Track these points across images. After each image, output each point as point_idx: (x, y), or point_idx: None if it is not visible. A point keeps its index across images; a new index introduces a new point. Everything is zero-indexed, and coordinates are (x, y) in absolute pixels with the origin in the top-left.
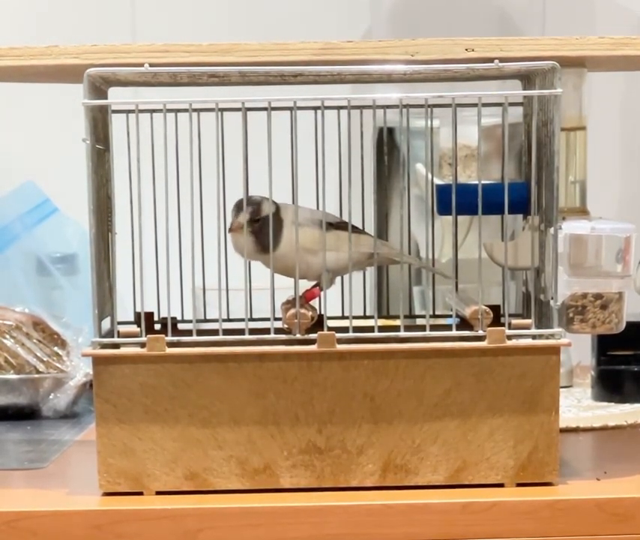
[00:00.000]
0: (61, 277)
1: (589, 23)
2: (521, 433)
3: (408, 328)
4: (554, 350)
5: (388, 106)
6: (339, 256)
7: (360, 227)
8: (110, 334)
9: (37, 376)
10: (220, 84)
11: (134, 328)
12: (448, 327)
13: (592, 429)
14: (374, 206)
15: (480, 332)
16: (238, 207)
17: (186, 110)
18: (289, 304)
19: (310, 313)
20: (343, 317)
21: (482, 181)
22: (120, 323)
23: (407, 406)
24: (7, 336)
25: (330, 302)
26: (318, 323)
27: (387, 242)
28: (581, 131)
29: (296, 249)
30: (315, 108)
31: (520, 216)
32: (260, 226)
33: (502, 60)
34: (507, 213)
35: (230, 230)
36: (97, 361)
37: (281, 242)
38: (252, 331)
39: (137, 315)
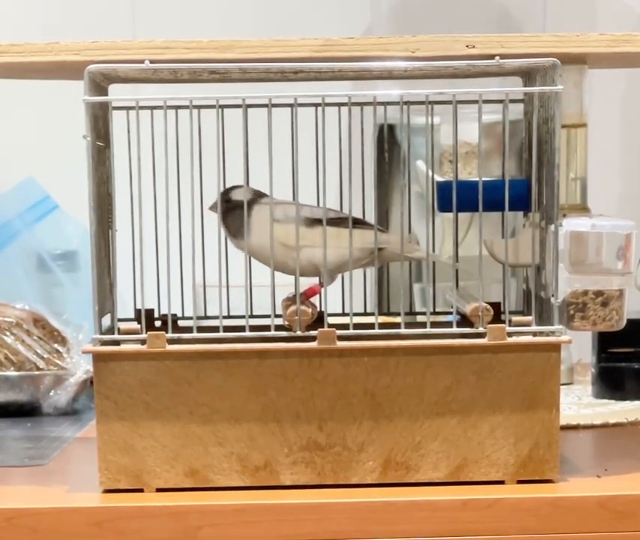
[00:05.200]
0: (62, 274)
1: (590, 20)
2: (521, 431)
3: (408, 325)
4: (555, 347)
5: (389, 103)
6: (338, 253)
7: (364, 220)
8: (110, 331)
9: (37, 373)
10: (221, 81)
11: (134, 325)
12: (448, 324)
13: (592, 426)
14: (374, 203)
15: (481, 329)
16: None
17: (186, 107)
18: (290, 301)
19: (311, 310)
20: (344, 314)
21: (483, 178)
22: (120, 320)
23: (407, 403)
24: (8, 333)
25: (331, 299)
26: (318, 320)
27: (390, 236)
28: (581, 128)
29: (271, 242)
30: (316, 105)
31: (520, 213)
32: (228, 209)
33: (503, 57)
34: (508, 210)
35: (209, 208)
36: (98, 358)
37: (251, 232)
38: (253, 328)
39: (137, 312)
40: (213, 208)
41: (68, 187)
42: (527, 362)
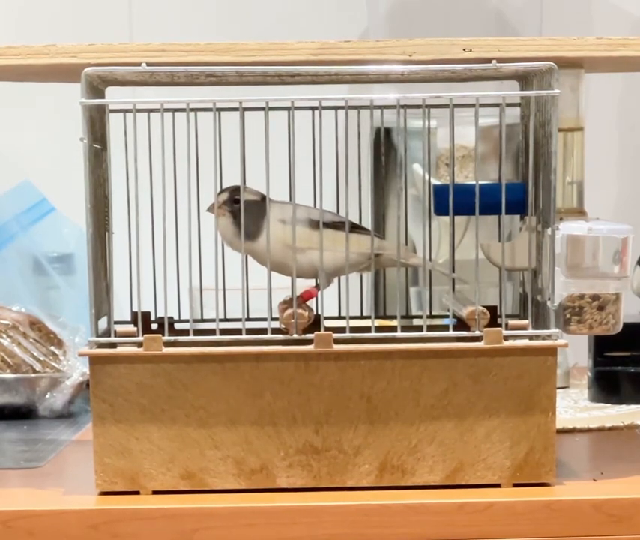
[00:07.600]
0: (58, 277)
1: (586, 24)
2: (517, 434)
3: (404, 329)
4: (551, 351)
5: (386, 107)
6: (336, 256)
7: (362, 225)
8: (107, 333)
9: (33, 375)
10: (218, 84)
11: (131, 328)
12: (445, 327)
13: (588, 430)
14: (371, 207)
15: (477, 333)
16: (221, 190)
17: (183, 110)
18: (286, 304)
19: (307, 313)
20: (340, 317)
21: (480, 182)
22: (117, 323)
23: (404, 406)
24: (4, 335)
25: (327, 302)
26: (315, 323)
27: (387, 243)
28: (578, 132)
29: (267, 245)
30: (313, 108)
31: (517, 216)
32: (239, 210)
33: (500, 60)
34: (504, 214)
35: (208, 210)
36: (94, 361)
37: (261, 234)
38: (249, 331)
39: (134, 314)
40: (210, 209)
41: (65, 190)
42: (523, 366)
